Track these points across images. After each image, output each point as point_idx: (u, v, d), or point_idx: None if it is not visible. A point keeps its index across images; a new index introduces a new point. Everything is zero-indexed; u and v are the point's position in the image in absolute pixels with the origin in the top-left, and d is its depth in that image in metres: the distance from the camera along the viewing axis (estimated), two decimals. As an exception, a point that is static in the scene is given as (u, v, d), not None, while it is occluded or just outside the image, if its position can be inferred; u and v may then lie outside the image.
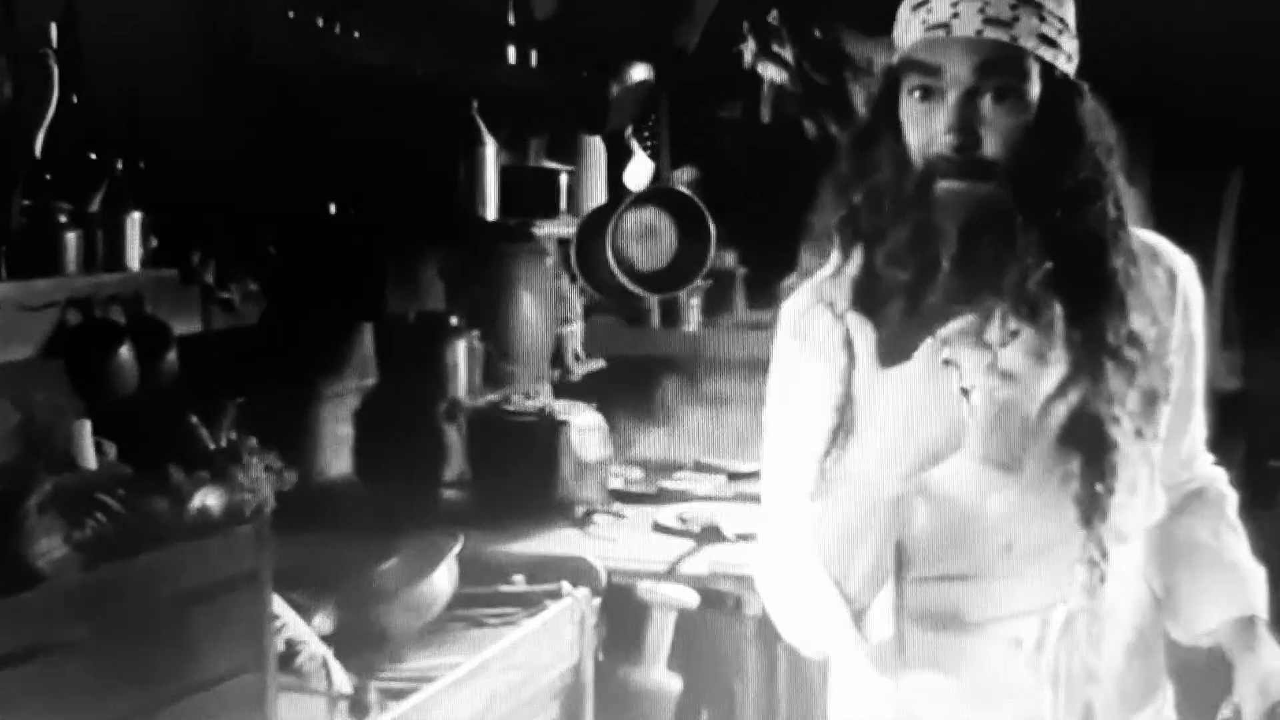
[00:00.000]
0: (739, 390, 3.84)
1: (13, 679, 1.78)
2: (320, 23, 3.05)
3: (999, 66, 1.56)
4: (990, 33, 1.55)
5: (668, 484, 3.70)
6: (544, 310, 3.92)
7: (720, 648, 3.10)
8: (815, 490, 1.60)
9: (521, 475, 3.41)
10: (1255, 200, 4.40)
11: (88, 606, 1.93)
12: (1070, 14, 1.62)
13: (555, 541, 3.23)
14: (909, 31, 1.60)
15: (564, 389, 3.94)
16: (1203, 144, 4.03)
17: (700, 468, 3.85)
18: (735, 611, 3.04)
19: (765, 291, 4.38)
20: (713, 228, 3.68)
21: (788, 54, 4.17)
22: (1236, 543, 1.83)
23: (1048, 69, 1.58)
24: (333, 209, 3.27)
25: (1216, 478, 1.87)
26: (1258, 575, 1.80)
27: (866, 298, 1.57)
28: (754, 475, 3.50)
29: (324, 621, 2.63)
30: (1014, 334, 1.62)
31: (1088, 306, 1.62)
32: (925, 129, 1.58)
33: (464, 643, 2.69)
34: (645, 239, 3.69)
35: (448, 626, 2.74)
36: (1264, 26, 3.68)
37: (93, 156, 2.44)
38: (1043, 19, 1.58)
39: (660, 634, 3.02)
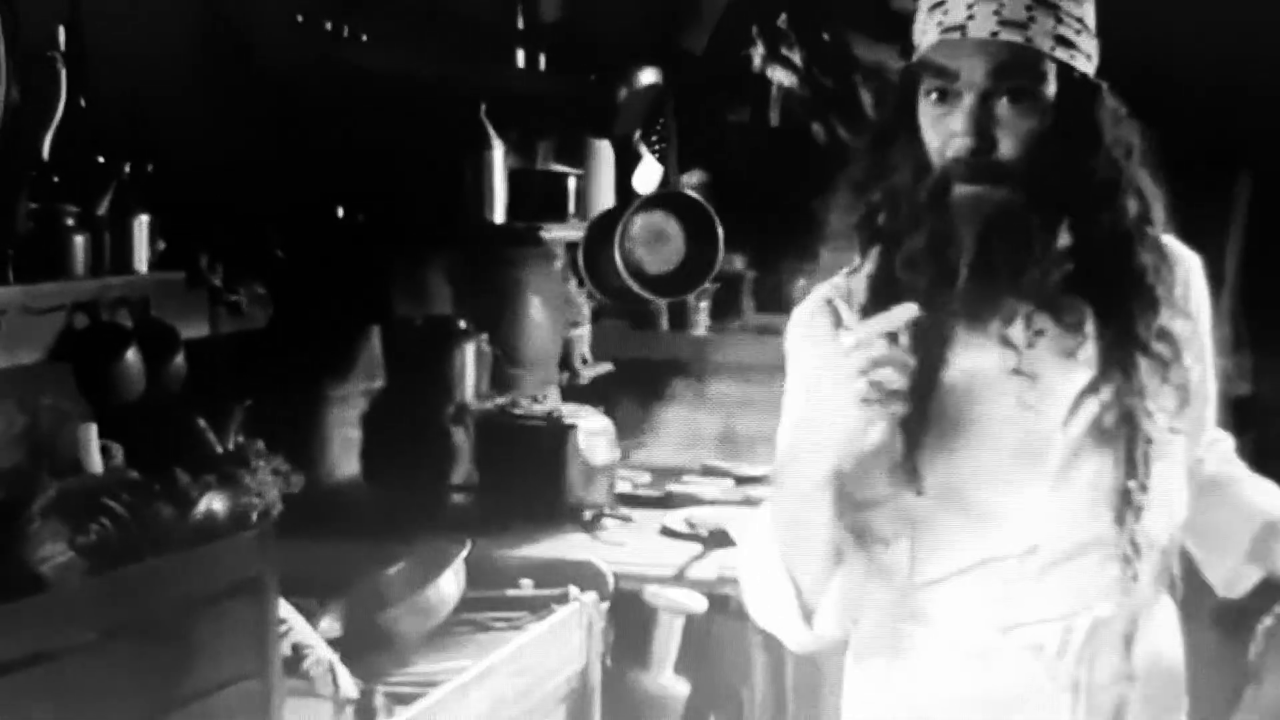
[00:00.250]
0: (747, 394, 3.83)
1: (17, 684, 1.77)
2: (329, 26, 3.05)
3: (1014, 69, 1.55)
4: (1005, 34, 1.55)
5: (675, 488, 3.69)
6: (552, 314, 3.91)
7: (728, 652, 3.09)
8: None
9: (529, 479, 3.40)
10: (1265, 202, 4.38)
11: (92, 611, 1.92)
12: (1090, 14, 1.62)
13: (563, 546, 3.22)
14: (925, 33, 1.60)
15: (571, 392, 3.94)
16: (1211, 147, 4.02)
17: (708, 471, 3.84)
18: (743, 616, 3.02)
19: (774, 295, 4.38)
20: (721, 231, 3.67)
21: (796, 58, 4.17)
22: (1247, 475, 1.85)
23: (1065, 70, 1.57)
24: (340, 212, 3.27)
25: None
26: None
27: (884, 298, 1.57)
28: (762, 479, 3.53)
29: (331, 625, 2.63)
30: (1039, 334, 1.62)
31: (1118, 303, 1.62)
32: (941, 131, 1.58)
33: (471, 647, 2.68)
34: (653, 242, 3.69)
35: (455, 630, 2.73)
36: (1269, 27, 3.68)
37: (100, 160, 2.43)
38: (1060, 20, 1.57)
39: (668, 638, 3.01)
